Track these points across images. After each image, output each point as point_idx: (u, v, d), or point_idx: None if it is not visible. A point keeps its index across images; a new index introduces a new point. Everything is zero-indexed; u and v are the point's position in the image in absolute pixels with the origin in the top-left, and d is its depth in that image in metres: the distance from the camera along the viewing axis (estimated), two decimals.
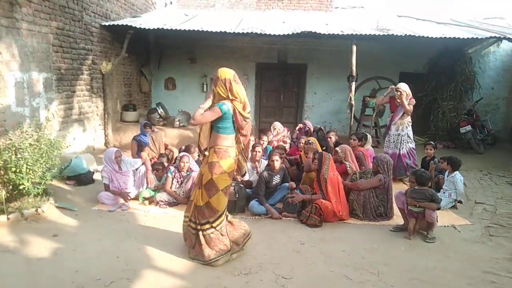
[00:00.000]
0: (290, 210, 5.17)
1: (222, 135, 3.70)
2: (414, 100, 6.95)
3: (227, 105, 3.61)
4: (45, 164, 4.91)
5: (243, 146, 3.90)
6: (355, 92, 9.14)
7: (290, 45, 11.48)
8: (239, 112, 3.66)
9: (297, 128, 8.12)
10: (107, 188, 5.51)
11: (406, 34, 8.45)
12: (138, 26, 8.44)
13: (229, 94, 3.65)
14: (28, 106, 6.17)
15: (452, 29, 9.60)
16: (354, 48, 8.61)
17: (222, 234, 3.79)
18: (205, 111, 3.69)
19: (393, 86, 7.29)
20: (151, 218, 4.99)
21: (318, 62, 11.75)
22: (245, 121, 3.74)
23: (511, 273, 3.83)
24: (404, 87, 6.93)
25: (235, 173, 3.99)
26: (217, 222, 3.77)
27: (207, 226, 3.75)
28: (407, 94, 6.86)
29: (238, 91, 3.67)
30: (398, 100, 6.92)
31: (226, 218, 3.96)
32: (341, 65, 10.13)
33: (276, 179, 5.53)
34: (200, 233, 3.75)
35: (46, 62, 6.57)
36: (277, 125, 7.88)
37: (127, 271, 3.57)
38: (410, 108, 6.86)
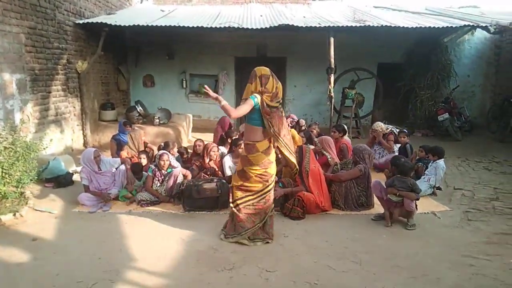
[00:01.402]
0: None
1: (250, 126, 4.05)
2: (392, 135, 7.40)
3: (257, 98, 3.91)
4: (22, 167, 4.81)
5: (277, 138, 4.04)
6: (334, 84, 9.21)
7: (269, 39, 11.44)
8: (266, 103, 3.91)
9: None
10: (86, 189, 5.42)
11: (382, 25, 8.52)
12: (113, 23, 8.29)
13: (262, 88, 3.92)
14: (1, 108, 6.01)
15: (427, 19, 9.73)
16: (332, 40, 8.65)
17: (254, 210, 4.14)
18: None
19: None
20: (132, 218, 4.93)
21: (297, 55, 11.75)
22: (270, 110, 3.94)
23: (489, 256, 3.93)
24: (377, 126, 7.42)
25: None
26: (249, 198, 4.12)
27: (239, 201, 4.14)
28: (382, 134, 7.36)
29: (273, 85, 3.95)
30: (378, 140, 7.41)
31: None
32: (319, 57, 10.15)
33: None
34: (234, 209, 4.17)
35: (18, 63, 6.40)
36: None
37: (109, 272, 3.53)
38: (390, 144, 7.27)
